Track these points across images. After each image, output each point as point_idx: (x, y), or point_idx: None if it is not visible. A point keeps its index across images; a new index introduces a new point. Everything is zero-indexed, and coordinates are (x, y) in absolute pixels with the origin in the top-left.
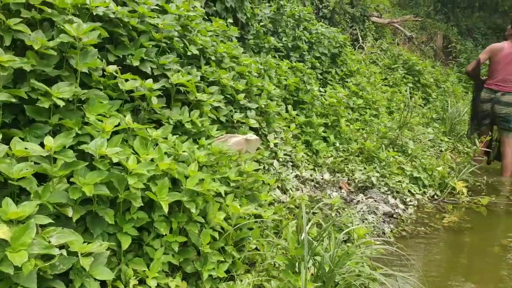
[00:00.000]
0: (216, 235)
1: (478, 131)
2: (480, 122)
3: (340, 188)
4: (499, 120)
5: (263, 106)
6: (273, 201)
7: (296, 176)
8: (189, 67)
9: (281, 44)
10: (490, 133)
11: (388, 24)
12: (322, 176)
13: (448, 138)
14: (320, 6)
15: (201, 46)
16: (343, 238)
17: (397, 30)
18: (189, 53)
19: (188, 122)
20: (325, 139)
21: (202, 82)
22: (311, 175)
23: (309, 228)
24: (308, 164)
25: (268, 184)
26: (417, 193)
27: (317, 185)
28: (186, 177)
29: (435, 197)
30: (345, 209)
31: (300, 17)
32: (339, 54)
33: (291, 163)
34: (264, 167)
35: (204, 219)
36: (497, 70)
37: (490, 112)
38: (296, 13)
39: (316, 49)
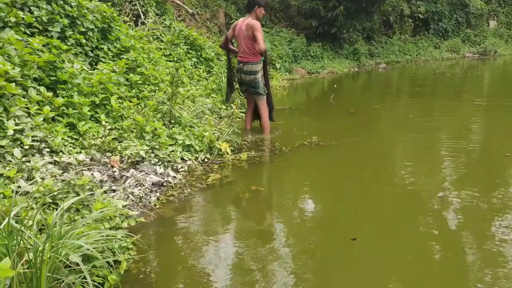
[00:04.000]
0: None
1: (242, 96)
2: (241, 89)
3: (112, 166)
4: (248, 86)
5: None
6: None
7: (54, 162)
8: None
9: (34, 19)
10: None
11: (168, 0)
12: (92, 157)
13: (226, 106)
14: None
15: None
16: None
17: (180, 6)
18: None
19: None
20: (97, 120)
21: None
22: (76, 159)
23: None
24: (74, 148)
25: (8, 176)
26: (189, 159)
27: (84, 169)
28: None
29: (206, 160)
30: (103, 187)
31: None
32: (110, 29)
33: (47, 150)
34: (4, 158)
35: None
36: (238, 43)
37: (241, 80)
38: None
39: (81, 24)
